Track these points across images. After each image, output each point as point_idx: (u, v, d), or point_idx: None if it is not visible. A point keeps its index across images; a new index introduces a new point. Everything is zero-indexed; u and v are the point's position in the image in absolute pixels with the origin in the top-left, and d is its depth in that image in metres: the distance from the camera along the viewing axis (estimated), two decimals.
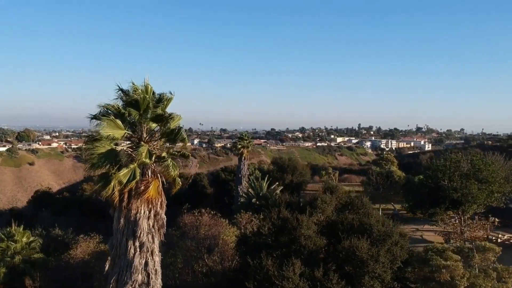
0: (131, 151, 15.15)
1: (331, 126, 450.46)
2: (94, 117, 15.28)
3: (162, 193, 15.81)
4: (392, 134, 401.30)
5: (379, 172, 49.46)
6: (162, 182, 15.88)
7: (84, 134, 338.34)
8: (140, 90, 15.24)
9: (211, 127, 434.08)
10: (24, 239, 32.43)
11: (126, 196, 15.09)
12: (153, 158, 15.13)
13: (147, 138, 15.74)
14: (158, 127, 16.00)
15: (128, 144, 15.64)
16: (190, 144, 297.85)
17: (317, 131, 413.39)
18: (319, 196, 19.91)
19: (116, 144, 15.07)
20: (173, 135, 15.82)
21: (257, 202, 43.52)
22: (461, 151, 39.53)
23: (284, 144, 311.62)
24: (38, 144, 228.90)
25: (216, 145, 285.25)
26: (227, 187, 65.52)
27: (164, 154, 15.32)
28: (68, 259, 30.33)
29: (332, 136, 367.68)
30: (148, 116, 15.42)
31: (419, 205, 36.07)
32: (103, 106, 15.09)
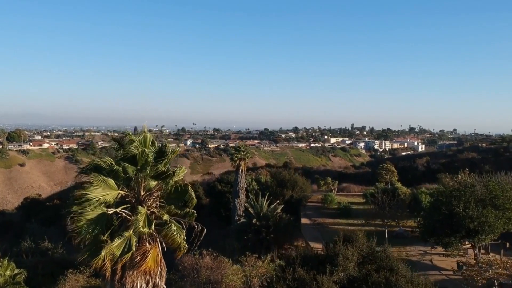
0: (126, 214, 12.73)
1: (324, 126, 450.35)
2: (82, 171, 12.93)
3: (162, 261, 13.34)
4: (385, 134, 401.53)
5: (384, 189, 47.31)
6: (163, 247, 13.42)
7: (75, 134, 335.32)
8: (137, 141, 12.80)
9: (204, 127, 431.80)
10: (8, 273, 29.74)
11: (119, 267, 12.66)
12: (153, 226, 12.64)
13: (145, 197, 13.26)
14: (159, 183, 13.45)
15: (122, 205, 13.07)
16: (183, 144, 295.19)
17: (310, 131, 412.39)
18: (340, 251, 17.59)
19: (109, 206, 12.58)
20: (177, 194, 13.44)
21: (258, 223, 41.37)
22: (476, 174, 37.28)
23: (277, 145, 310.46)
24: (29, 144, 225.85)
25: (209, 145, 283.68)
26: (223, 199, 63.16)
27: (165, 217, 12.81)
28: None
29: (326, 137, 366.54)
30: (147, 172, 12.95)
31: (431, 232, 33.83)
32: (91, 162, 12.64)
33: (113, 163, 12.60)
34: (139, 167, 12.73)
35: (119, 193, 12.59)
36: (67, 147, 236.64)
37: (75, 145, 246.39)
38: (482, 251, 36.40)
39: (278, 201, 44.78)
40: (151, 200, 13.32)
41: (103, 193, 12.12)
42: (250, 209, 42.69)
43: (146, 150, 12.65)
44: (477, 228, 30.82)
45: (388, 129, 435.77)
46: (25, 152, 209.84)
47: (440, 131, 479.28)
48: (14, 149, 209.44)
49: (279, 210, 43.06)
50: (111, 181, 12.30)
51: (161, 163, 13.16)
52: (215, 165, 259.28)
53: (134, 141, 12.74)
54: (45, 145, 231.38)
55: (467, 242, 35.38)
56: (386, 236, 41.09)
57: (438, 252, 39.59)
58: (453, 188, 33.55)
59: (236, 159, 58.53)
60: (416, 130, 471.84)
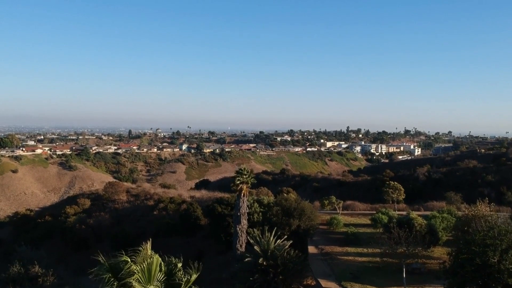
0: None
1: (320, 129, 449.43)
2: None
3: None
4: (381, 138, 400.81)
5: (399, 220, 43.98)
6: None
7: (69, 137, 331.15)
8: (139, 272, 9.24)
9: (199, 130, 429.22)
10: None
11: None
12: None
13: None
14: None
15: None
16: (178, 149, 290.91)
17: (306, 134, 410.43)
18: None
19: None
20: None
21: (265, 263, 37.96)
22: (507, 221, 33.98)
23: (274, 149, 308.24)
24: (22, 150, 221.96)
25: (205, 150, 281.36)
26: (224, 223, 59.66)
27: None
28: None
29: (322, 141, 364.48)
30: None
31: (461, 284, 30.48)
32: None
33: None
34: None
35: None
36: (61, 153, 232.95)
37: (68, 150, 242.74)
38: None
39: (286, 236, 41.34)
40: None
41: None
42: (256, 247, 39.20)
43: (152, 279, 9.14)
44: None
45: (384, 131, 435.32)
46: (17, 158, 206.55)
47: (436, 133, 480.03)
48: (7, 155, 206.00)
49: (287, 246, 39.69)
50: None
51: None
52: (211, 170, 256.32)
53: (135, 273, 9.20)
54: (38, 151, 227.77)
55: None
56: (404, 275, 37.66)
57: None
58: (485, 235, 30.16)
59: (238, 182, 55.12)
60: (412, 132, 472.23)
